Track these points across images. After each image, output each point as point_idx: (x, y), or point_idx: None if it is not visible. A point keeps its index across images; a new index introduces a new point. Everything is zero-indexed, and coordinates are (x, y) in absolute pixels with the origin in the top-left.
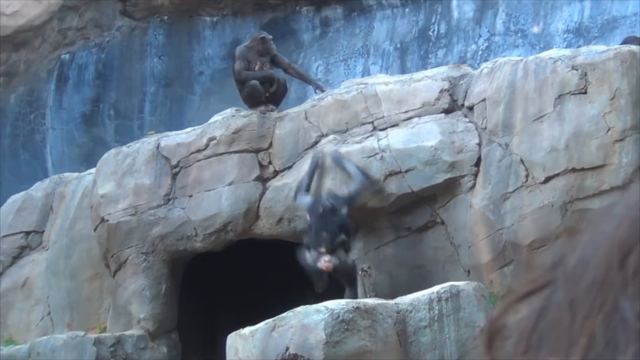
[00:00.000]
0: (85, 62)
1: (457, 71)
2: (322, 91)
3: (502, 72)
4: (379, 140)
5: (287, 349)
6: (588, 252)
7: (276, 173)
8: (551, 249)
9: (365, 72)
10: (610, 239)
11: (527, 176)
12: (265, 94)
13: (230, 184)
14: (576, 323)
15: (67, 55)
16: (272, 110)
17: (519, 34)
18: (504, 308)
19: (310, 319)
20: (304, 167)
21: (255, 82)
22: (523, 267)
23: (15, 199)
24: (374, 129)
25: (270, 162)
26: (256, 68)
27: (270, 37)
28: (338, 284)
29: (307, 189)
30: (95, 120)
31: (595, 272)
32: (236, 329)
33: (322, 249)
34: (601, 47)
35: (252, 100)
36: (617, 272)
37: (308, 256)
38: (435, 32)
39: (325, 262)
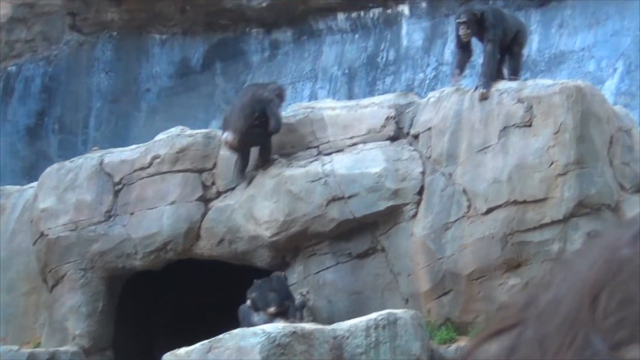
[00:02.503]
0: (32, 75)
1: (404, 99)
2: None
3: (449, 101)
4: (323, 164)
5: None
6: (560, 291)
7: (219, 194)
8: (525, 291)
9: (313, 96)
10: (583, 279)
11: (469, 206)
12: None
13: (172, 203)
14: (546, 359)
15: (14, 68)
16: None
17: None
18: (473, 346)
19: (247, 342)
20: (247, 189)
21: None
22: (462, 298)
23: None
24: (319, 153)
25: (213, 183)
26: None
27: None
28: None
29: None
30: (39, 134)
31: (566, 310)
32: (173, 349)
33: (272, 309)
34: (547, 81)
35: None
36: (588, 310)
37: (255, 317)
38: (383, 59)
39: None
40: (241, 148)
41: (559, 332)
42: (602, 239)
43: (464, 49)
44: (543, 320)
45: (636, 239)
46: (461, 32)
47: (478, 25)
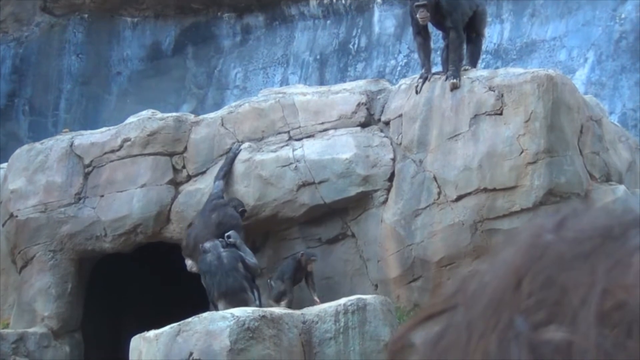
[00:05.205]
0: (3, 56)
1: (375, 86)
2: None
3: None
4: (294, 150)
5: (191, 354)
6: (487, 277)
7: (189, 177)
8: (454, 278)
9: (284, 82)
10: (508, 265)
11: (439, 193)
12: None
13: (142, 186)
14: (472, 341)
15: None
16: None
17: (439, 52)
18: (404, 331)
19: (216, 325)
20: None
21: None
22: (431, 284)
23: None
24: (290, 138)
25: (184, 167)
26: None
27: None
28: None
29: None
30: (9, 115)
31: (492, 294)
32: (142, 332)
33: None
34: (518, 70)
35: None
36: (512, 294)
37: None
38: (355, 46)
39: None
40: None
41: (485, 315)
42: (527, 228)
43: (422, 35)
44: (470, 304)
45: (559, 226)
46: (420, 15)
47: (434, 12)
